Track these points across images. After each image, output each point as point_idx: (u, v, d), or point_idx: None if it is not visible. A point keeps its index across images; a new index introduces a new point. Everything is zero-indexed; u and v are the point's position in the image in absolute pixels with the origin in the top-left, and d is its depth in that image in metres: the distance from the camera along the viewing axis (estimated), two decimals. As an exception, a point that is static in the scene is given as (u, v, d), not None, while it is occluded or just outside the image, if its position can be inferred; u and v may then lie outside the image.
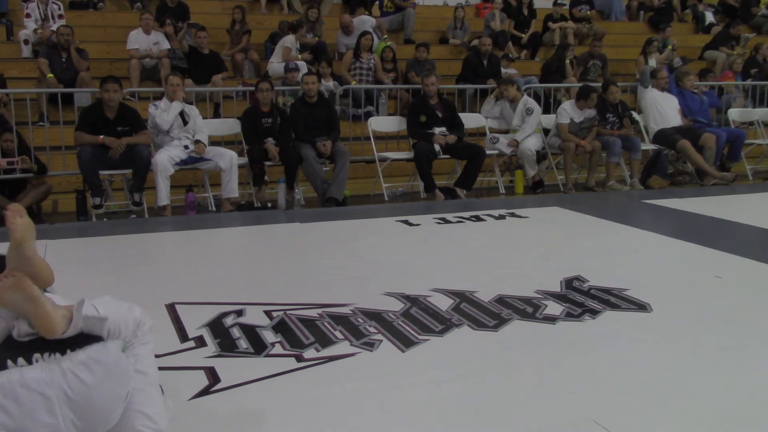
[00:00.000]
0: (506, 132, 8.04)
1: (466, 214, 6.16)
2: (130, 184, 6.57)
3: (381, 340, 3.22)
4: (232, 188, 6.61)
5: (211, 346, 3.16)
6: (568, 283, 4.07)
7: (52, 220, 6.45)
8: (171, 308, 3.64)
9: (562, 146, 7.80)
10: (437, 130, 7.39)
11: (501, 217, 6.09)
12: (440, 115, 7.48)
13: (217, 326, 3.40)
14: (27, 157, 6.51)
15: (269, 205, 6.87)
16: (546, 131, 8.09)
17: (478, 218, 6.05)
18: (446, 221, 5.93)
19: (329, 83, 8.49)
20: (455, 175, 7.65)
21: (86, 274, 4.37)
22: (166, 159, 6.38)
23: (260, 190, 6.94)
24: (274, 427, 2.43)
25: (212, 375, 2.85)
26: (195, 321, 3.44)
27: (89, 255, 4.95)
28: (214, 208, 6.74)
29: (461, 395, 2.69)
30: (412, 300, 3.77)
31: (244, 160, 6.88)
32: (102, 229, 5.76)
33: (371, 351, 3.11)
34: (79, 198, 6.50)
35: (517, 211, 6.29)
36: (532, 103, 7.95)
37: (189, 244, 5.40)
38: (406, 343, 3.19)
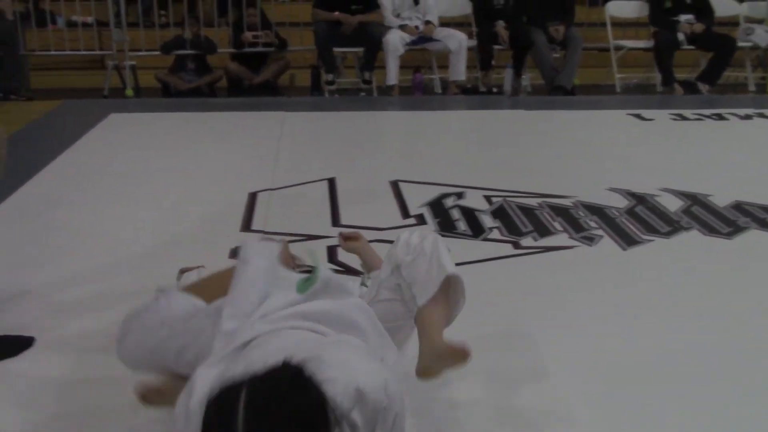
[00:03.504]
0: (762, 21, 7.19)
1: (707, 112, 5.68)
2: (361, 62, 6.75)
3: (602, 236, 3.12)
4: (459, 71, 6.58)
5: (431, 225, 3.24)
6: (821, 194, 3.66)
7: (289, 93, 6.84)
8: (394, 185, 3.76)
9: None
10: (683, 17, 6.77)
11: (747, 117, 5.56)
12: (688, 0, 6.83)
13: (437, 206, 3.48)
14: (269, 32, 6.88)
15: (495, 90, 6.77)
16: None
17: (720, 117, 5.56)
18: (683, 118, 5.52)
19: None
20: (698, 69, 7.04)
21: (317, 145, 4.62)
22: (397, 39, 6.45)
23: (487, 75, 6.84)
24: (486, 306, 2.47)
25: (430, 252, 2.93)
26: (416, 199, 3.54)
27: (321, 128, 5.21)
28: (440, 90, 6.76)
29: (684, 297, 2.55)
30: (639, 198, 3.60)
31: (473, 42, 6.78)
32: (333, 105, 6.02)
33: (590, 246, 3.03)
34: (314, 73, 6.82)
35: (768, 112, 5.70)
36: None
37: (414, 125, 5.50)
38: (628, 241, 3.07)
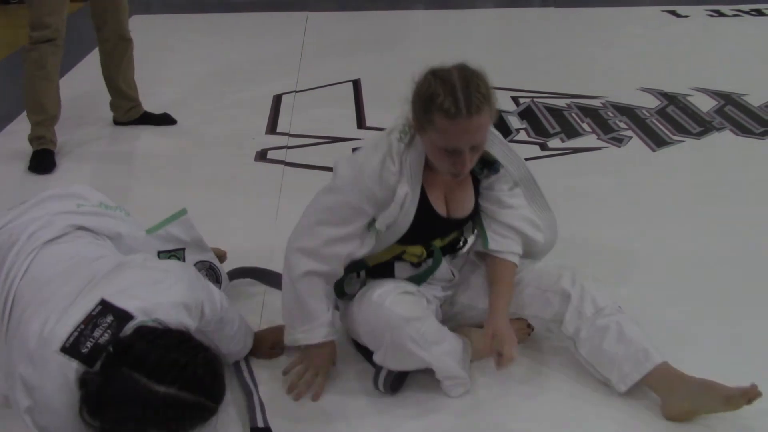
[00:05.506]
0: None
1: (746, 7, 5.46)
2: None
3: (631, 137, 3.07)
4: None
5: (457, 126, 3.20)
6: None
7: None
8: (420, 86, 3.70)
9: None
10: None
11: (788, 12, 5.34)
12: None
13: (463, 107, 3.43)
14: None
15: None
16: None
17: (759, 12, 5.35)
18: (720, 14, 5.32)
19: None
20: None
21: (341, 46, 4.54)
22: (422, -67, 6.22)
23: (516, -30, 6.59)
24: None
25: (456, 154, 2.91)
26: (442, 100, 3.48)
27: (345, 28, 5.10)
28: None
29: (714, 198, 2.53)
30: (670, 98, 3.51)
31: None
32: (357, 4, 5.87)
33: (619, 147, 2.99)
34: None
35: (810, 7, 5.47)
36: None
37: (440, 23, 5.36)
38: (658, 142, 3.02)
